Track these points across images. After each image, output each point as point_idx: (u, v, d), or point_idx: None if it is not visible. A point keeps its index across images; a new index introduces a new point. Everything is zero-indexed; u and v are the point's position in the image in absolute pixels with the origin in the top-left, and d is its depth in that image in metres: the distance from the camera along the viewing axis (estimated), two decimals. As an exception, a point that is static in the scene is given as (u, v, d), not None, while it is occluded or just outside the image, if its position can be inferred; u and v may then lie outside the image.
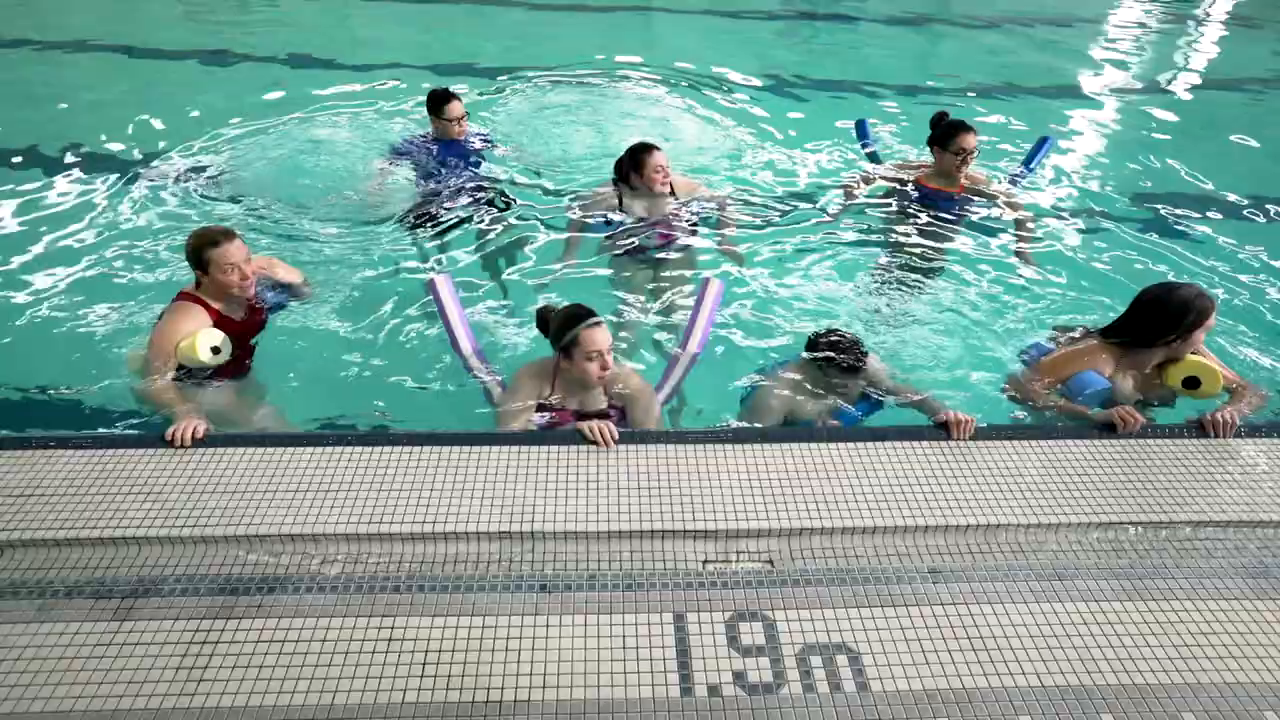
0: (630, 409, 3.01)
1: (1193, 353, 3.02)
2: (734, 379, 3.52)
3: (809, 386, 3.18)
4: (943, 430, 2.86)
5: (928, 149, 4.57)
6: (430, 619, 2.19)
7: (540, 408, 3.01)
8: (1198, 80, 8.89)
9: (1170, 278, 4.30)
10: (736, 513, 2.52)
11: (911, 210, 4.62)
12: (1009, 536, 2.53)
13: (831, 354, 3.08)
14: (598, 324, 2.84)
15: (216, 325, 3.20)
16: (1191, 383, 3.01)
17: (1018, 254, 4.47)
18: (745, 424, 3.09)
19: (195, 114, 6.47)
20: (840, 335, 3.15)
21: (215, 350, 3.14)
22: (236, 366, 3.34)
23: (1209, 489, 2.67)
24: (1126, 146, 6.69)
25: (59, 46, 8.31)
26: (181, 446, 2.72)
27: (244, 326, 3.35)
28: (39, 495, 2.52)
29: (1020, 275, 4.36)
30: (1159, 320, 2.96)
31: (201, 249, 3.14)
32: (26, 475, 2.59)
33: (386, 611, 2.22)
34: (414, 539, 2.44)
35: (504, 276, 4.48)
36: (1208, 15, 11.65)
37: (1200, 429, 2.91)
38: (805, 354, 3.17)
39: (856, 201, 4.81)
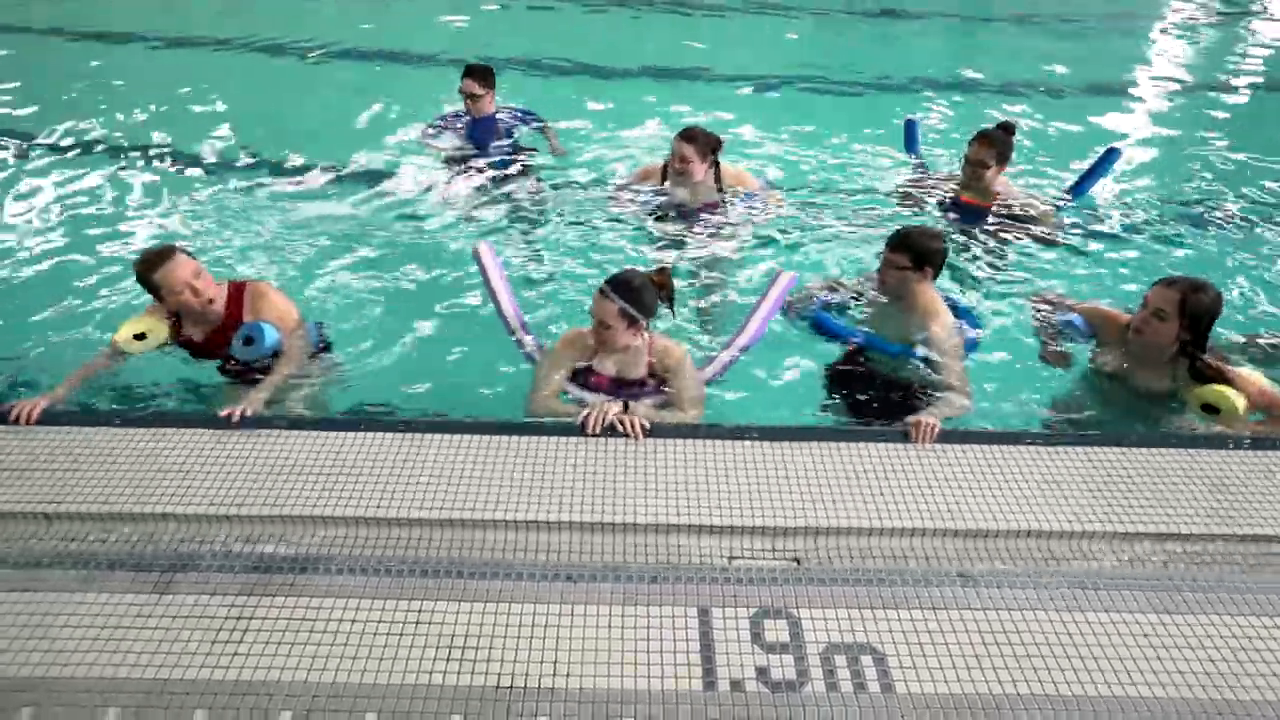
0: (670, 381, 3.10)
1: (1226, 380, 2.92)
2: (771, 374, 3.55)
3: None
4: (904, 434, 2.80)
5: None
6: (457, 604, 2.22)
7: (578, 372, 3.12)
8: (1257, 81, 8.59)
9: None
10: (764, 509, 2.51)
11: (944, 223, 4.56)
12: (1042, 543, 2.48)
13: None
14: (600, 292, 2.95)
15: (178, 341, 3.19)
16: (1210, 409, 2.92)
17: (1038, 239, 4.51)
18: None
19: (233, 106, 6.60)
20: (925, 228, 3.37)
21: (138, 337, 3.12)
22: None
23: (1254, 503, 2.60)
24: (1179, 149, 6.49)
25: (102, 38, 8.53)
26: (15, 423, 2.74)
27: (205, 346, 3.22)
28: (81, 470, 2.60)
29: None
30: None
31: (145, 277, 2.97)
32: (69, 450, 2.68)
33: (414, 595, 2.25)
34: (444, 525, 2.48)
35: (541, 248, 4.64)
36: (1264, 11, 11.22)
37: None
38: None
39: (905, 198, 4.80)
